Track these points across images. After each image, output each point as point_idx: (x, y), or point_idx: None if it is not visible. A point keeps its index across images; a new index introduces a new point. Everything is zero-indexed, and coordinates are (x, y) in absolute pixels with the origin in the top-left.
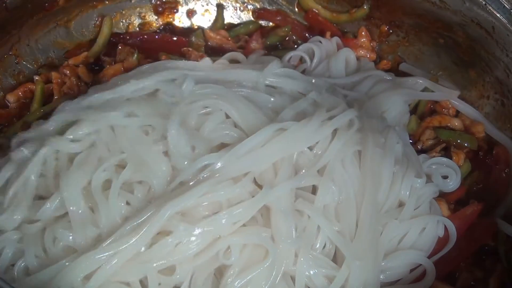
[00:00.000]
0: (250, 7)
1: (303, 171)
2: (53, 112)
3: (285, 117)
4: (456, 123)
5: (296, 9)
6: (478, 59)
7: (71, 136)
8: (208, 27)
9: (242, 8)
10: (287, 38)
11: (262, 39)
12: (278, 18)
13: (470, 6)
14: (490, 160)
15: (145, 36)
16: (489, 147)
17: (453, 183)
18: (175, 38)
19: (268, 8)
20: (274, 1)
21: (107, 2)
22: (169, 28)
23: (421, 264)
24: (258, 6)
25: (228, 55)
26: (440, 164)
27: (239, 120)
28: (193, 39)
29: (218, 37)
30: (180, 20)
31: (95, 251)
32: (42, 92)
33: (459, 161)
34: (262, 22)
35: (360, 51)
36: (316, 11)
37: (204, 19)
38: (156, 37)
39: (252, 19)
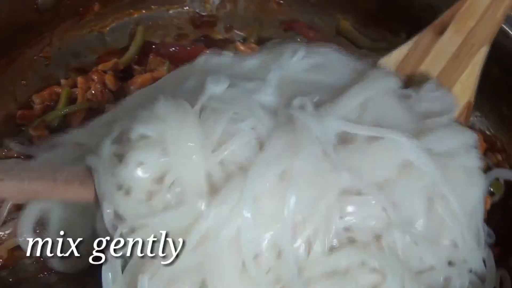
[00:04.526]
0: None
1: None
2: None
3: None
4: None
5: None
6: None
7: None
8: (240, 41)
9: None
10: None
11: None
12: (312, 35)
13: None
14: None
15: (178, 47)
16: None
17: None
18: (207, 52)
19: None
20: (314, 22)
21: (144, 11)
22: (204, 40)
23: None
24: None
25: None
26: None
27: None
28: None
29: (248, 51)
30: (218, 33)
31: None
32: (67, 96)
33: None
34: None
35: None
36: None
37: (241, 34)
38: (188, 48)
39: None
